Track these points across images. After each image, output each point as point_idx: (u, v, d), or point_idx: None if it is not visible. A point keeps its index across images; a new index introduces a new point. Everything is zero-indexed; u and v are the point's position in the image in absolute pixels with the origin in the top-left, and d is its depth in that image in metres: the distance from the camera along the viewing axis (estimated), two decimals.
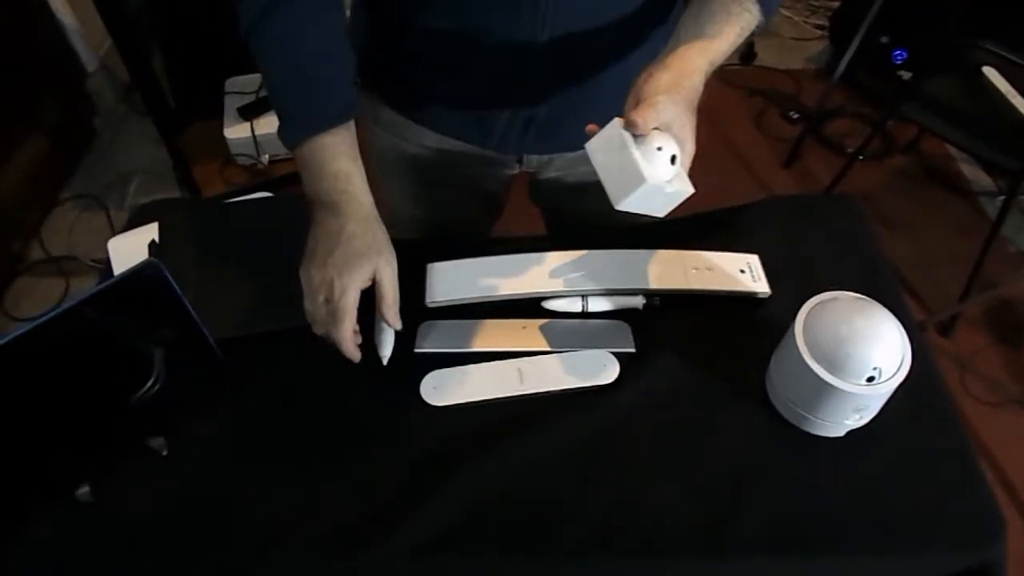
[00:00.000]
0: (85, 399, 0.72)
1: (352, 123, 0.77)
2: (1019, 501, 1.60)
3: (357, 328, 0.75)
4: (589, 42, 0.83)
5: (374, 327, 0.79)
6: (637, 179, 0.66)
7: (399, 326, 0.77)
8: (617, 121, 0.69)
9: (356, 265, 0.72)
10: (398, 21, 0.85)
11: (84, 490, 0.71)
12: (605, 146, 0.70)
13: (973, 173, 2.38)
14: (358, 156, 0.77)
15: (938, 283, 1.99)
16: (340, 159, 0.75)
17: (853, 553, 0.69)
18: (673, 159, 0.68)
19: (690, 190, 0.71)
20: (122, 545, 0.69)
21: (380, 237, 0.76)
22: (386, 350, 0.79)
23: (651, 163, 0.67)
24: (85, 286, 1.99)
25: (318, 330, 0.75)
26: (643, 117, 0.67)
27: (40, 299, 1.97)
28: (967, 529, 0.71)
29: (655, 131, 0.68)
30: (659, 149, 0.68)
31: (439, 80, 0.90)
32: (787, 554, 0.69)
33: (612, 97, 0.91)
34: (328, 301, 0.73)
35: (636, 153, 0.67)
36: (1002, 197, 2.24)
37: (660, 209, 0.72)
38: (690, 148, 0.71)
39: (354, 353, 0.75)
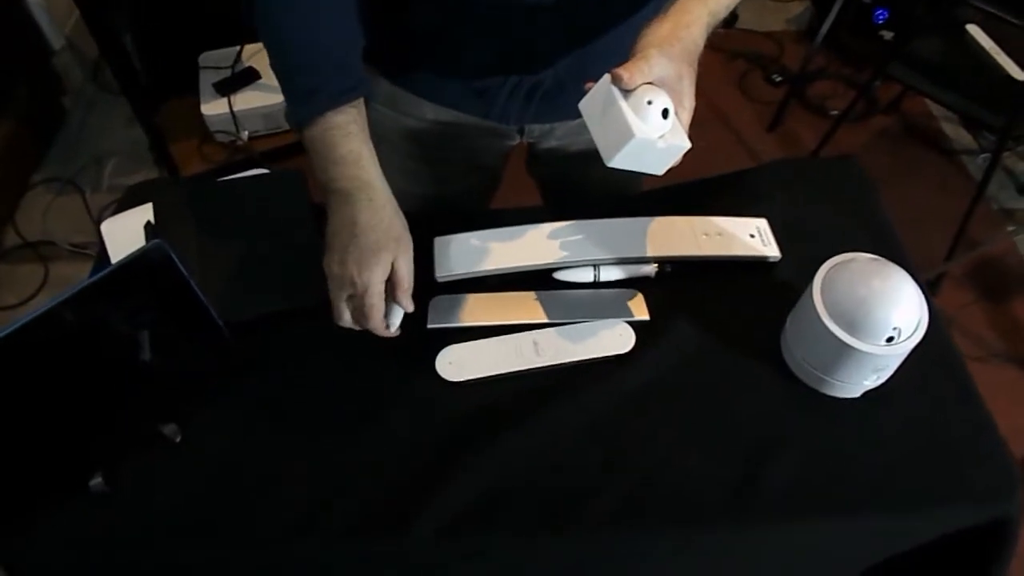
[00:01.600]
0: (90, 387, 0.70)
1: (362, 103, 0.74)
2: None
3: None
4: (593, 6, 0.81)
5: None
6: (626, 134, 0.65)
7: (412, 309, 0.75)
8: (608, 76, 0.67)
9: (375, 261, 0.70)
10: None
11: (97, 480, 0.69)
12: (595, 102, 0.69)
13: (954, 131, 2.40)
14: (369, 138, 0.74)
15: (923, 241, 2.00)
16: (350, 140, 0.72)
17: (874, 511, 0.70)
18: (665, 113, 0.67)
19: (685, 145, 0.69)
20: (138, 535, 0.68)
21: (396, 224, 0.73)
22: (395, 319, 0.76)
23: (641, 117, 0.66)
24: (65, 271, 1.94)
25: (344, 324, 0.73)
26: (630, 71, 0.65)
27: (19, 286, 1.91)
28: (983, 484, 0.72)
29: (647, 85, 0.67)
30: (649, 103, 0.66)
31: (440, 50, 0.88)
32: (809, 516, 0.70)
33: (618, 61, 0.90)
34: (352, 297, 0.71)
35: (625, 107, 0.66)
36: (984, 155, 2.26)
37: (656, 166, 0.70)
38: (688, 103, 0.69)
39: (384, 335, 0.74)
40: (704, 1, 0.71)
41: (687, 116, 0.70)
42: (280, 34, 0.72)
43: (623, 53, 0.89)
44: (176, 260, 0.68)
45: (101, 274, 0.64)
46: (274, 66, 0.74)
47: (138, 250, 0.66)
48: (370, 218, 0.71)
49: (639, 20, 0.85)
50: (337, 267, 0.71)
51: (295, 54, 0.72)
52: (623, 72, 0.65)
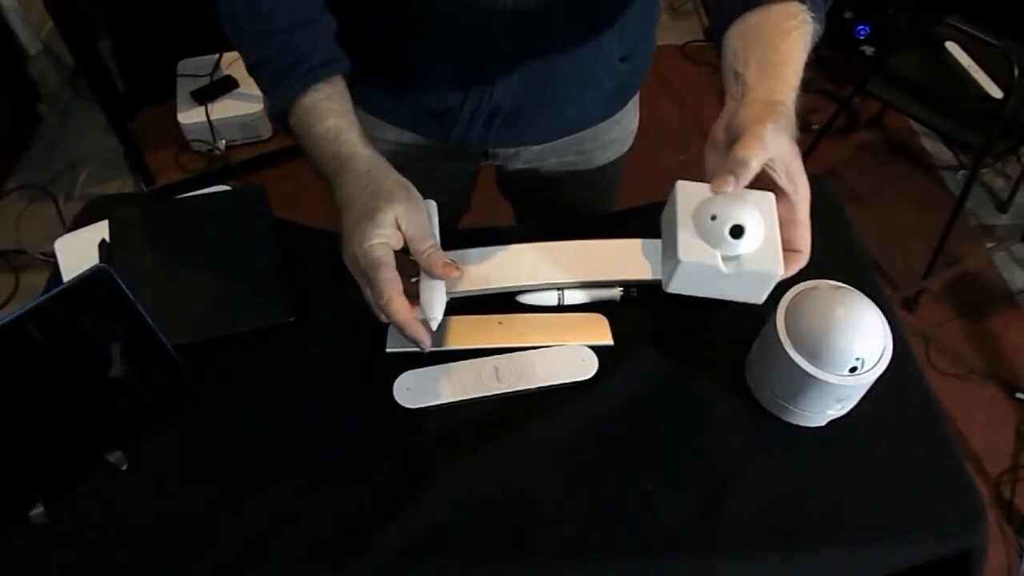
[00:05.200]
0: (32, 411, 0.68)
1: (339, 81, 0.70)
2: (983, 471, 1.64)
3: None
4: (551, 27, 0.79)
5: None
6: (674, 256, 0.58)
7: (449, 275, 0.65)
8: (678, 184, 0.59)
9: (367, 231, 0.62)
10: (358, 9, 0.81)
11: (38, 511, 0.66)
12: (665, 214, 0.62)
13: (934, 147, 2.41)
14: (349, 111, 0.69)
15: (902, 257, 2.02)
16: (325, 117, 0.67)
17: (838, 543, 0.69)
18: (737, 231, 0.57)
19: (774, 273, 0.60)
20: (80, 568, 0.66)
21: (386, 184, 0.65)
22: (435, 311, 0.65)
23: (703, 236, 0.57)
24: (36, 280, 1.92)
25: (383, 318, 0.66)
26: (735, 172, 0.56)
27: None
28: (948, 516, 0.70)
29: (720, 196, 0.58)
30: (713, 218, 0.57)
31: (399, 73, 0.86)
32: (772, 546, 0.69)
33: (577, 90, 0.88)
34: (368, 285, 0.64)
35: (680, 223, 0.58)
36: (963, 171, 2.27)
37: (741, 293, 0.62)
38: (805, 189, 0.63)
39: (420, 335, 0.65)
40: (782, 81, 0.62)
41: (806, 204, 0.63)
42: (243, 23, 0.70)
43: (580, 84, 0.87)
44: (122, 284, 0.66)
45: (40, 299, 0.62)
46: (245, 61, 0.71)
47: (82, 273, 0.64)
48: (353, 189, 0.64)
49: (598, 50, 0.84)
50: (347, 257, 0.65)
51: (258, 44, 0.70)
52: (722, 180, 0.56)
